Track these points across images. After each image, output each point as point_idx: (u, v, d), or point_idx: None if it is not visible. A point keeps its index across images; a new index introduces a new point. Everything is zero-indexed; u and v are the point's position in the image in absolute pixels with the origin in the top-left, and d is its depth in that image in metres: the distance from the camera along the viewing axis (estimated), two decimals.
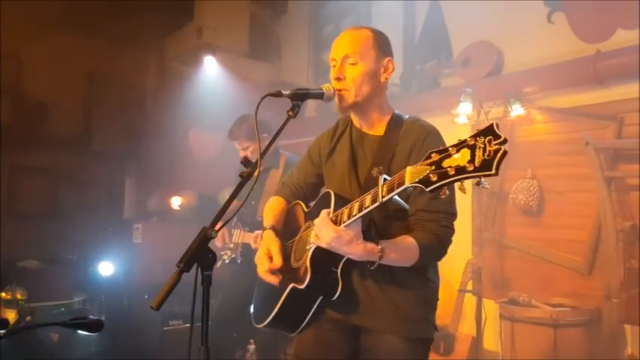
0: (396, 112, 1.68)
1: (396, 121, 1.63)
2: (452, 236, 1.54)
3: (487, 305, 3.73)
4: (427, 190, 1.13)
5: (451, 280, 3.81)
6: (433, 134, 1.59)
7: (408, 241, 1.46)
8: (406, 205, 1.31)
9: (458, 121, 3.80)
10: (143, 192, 5.27)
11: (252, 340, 3.65)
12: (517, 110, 3.62)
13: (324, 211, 1.41)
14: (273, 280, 1.58)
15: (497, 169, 1.02)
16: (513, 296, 3.57)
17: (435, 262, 1.64)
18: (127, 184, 5.32)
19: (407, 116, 1.67)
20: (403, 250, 1.45)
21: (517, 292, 3.59)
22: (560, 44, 3.57)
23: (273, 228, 1.72)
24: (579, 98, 3.49)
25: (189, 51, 5.30)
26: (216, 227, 1.25)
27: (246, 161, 1.38)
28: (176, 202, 4.90)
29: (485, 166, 1.03)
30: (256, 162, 1.36)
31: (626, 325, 3.17)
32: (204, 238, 1.21)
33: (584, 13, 3.51)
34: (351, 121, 1.73)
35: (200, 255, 1.20)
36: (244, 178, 1.36)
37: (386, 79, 1.64)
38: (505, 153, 1.02)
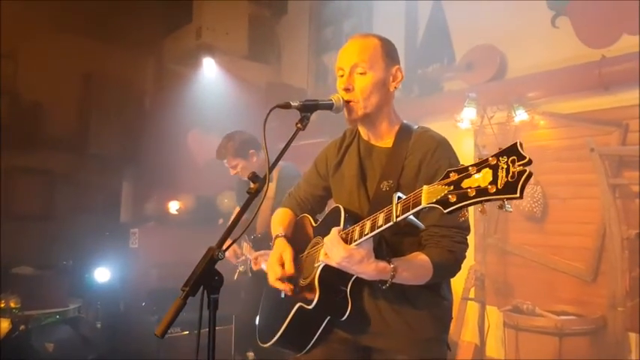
0: (405, 122, 1.63)
1: (404, 132, 1.58)
2: (466, 252, 1.49)
3: (490, 312, 3.69)
4: (445, 211, 1.08)
5: (453, 287, 3.76)
6: (443, 145, 1.53)
7: (421, 258, 1.41)
8: (422, 225, 1.26)
9: (461, 126, 3.76)
10: (140, 195, 5.19)
11: (250, 349, 3.59)
12: (521, 115, 3.59)
13: (334, 229, 1.35)
14: (284, 288, 1.54)
15: (521, 192, 0.97)
16: (517, 304, 3.54)
17: (448, 280, 1.58)
18: (124, 187, 5.24)
19: (416, 126, 1.61)
20: (416, 268, 1.40)
21: (520, 299, 3.56)
22: (565, 49, 3.52)
23: (285, 237, 1.67)
24: (584, 104, 3.45)
25: (188, 52, 5.24)
26: (224, 247, 1.19)
27: (254, 177, 1.32)
28: (174, 206, 4.83)
29: (509, 188, 0.99)
30: (264, 177, 1.31)
31: (631, 333, 3.14)
32: (211, 259, 1.15)
33: (589, 17, 3.47)
34: (359, 132, 1.67)
35: (206, 278, 1.14)
36: (252, 194, 1.30)
37: (395, 88, 1.59)
38: (530, 175, 0.98)
